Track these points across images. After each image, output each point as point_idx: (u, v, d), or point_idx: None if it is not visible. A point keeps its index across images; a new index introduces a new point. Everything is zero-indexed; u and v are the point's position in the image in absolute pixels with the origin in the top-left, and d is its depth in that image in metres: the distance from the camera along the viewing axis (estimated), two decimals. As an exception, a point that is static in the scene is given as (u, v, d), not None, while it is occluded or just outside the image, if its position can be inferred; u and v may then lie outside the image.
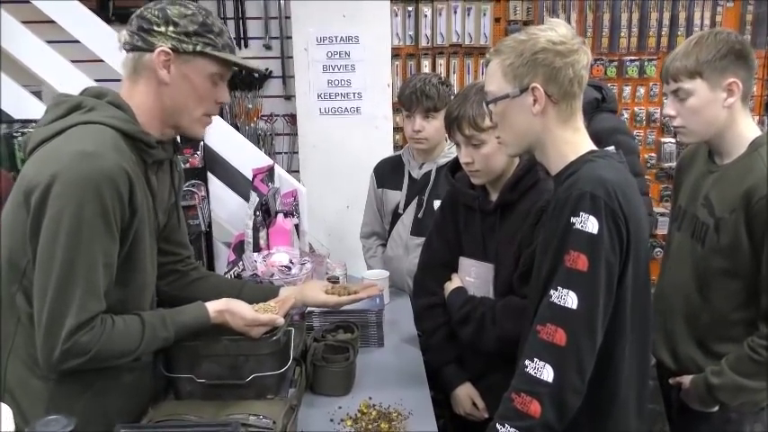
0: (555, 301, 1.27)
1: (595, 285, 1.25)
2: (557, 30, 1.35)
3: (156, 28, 1.39)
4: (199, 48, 1.40)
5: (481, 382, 1.91)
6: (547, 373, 1.24)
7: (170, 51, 1.39)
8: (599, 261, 1.25)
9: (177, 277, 1.69)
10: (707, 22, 3.96)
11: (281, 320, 1.56)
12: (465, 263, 1.92)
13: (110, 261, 1.32)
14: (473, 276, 1.90)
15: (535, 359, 1.26)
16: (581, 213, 1.26)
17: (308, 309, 1.98)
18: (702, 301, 1.75)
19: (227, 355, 1.52)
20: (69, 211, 1.25)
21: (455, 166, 1.94)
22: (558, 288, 1.27)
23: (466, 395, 1.92)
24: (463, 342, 1.89)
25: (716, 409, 1.74)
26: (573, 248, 1.26)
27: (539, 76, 1.34)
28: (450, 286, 1.93)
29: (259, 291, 1.77)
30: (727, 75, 1.66)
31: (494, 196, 1.85)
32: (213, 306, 1.50)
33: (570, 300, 1.25)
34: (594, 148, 1.41)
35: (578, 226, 1.26)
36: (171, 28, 1.39)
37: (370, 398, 1.71)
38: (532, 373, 1.26)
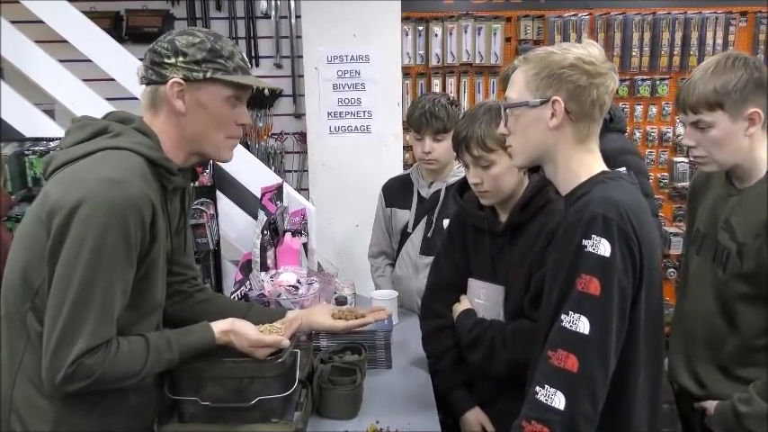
0: (566, 325, 1.24)
1: (608, 310, 1.22)
2: (589, 49, 1.34)
3: (166, 60, 1.41)
4: (209, 74, 1.41)
5: (491, 408, 1.87)
6: (558, 401, 1.21)
7: (182, 81, 1.40)
8: (611, 285, 1.22)
9: (182, 298, 1.67)
10: (719, 41, 3.94)
11: (286, 342, 1.54)
12: (474, 284, 1.89)
13: (126, 287, 1.33)
14: (483, 298, 1.86)
15: (546, 386, 1.23)
16: (593, 236, 1.23)
17: (315, 329, 1.95)
18: (726, 326, 1.70)
19: (232, 378, 1.50)
20: (93, 235, 1.25)
21: (463, 186, 1.92)
22: (570, 312, 1.24)
23: (475, 420, 1.88)
24: (472, 366, 1.86)
25: None
26: (585, 272, 1.23)
27: (562, 90, 1.32)
28: (459, 308, 1.90)
29: (266, 313, 1.75)
30: (748, 105, 1.61)
31: (503, 217, 1.83)
32: (218, 326, 1.49)
33: (582, 325, 1.22)
34: (606, 169, 1.39)
35: (590, 249, 1.23)
36: (180, 58, 1.41)
37: (378, 421, 1.68)
38: (543, 400, 1.23)
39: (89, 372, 1.27)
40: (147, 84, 1.44)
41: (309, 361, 1.77)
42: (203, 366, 1.49)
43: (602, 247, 1.22)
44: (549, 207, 1.77)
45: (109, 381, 1.31)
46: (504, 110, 1.41)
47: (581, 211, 1.27)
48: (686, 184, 4.03)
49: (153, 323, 1.47)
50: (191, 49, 1.41)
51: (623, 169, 1.53)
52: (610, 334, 1.22)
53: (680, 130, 4.08)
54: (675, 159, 4.11)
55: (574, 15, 3.90)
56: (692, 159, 1.78)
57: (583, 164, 1.37)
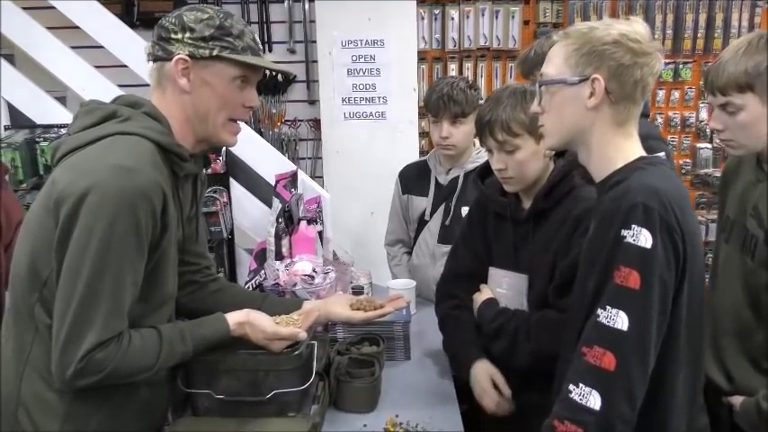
0: (603, 321, 1.17)
1: (648, 305, 1.15)
2: (634, 26, 1.26)
3: (173, 36, 1.36)
4: (216, 52, 1.36)
5: (515, 402, 1.80)
6: (593, 400, 1.14)
7: (187, 58, 1.35)
8: (652, 278, 1.15)
9: (196, 288, 1.63)
10: (744, 23, 3.82)
11: (303, 334, 1.49)
12: (496, 273, 1.83)
13: (137, 279, 1.28)
14: (505, 288, 1.80)
15: (581, 384, 1.16)
16: (633, 226, 1.15)
17: (331, 320, 1.90)
18: (755, 318, 1.63)
19: (247, 370, 1.45)
20: (102, 224, 1.21)
21: (485, 171, 1.85)
22: (607, 307, 1.17)
23: (484, 373, 1.76)
24: (495, 357, 1.79)
25: None
26: (624, 264, 1.15)
27: (603, 68, 1.25)
28: (481, 298, 1.83)
29: (281, 304, 1.71)
30: None
31: (526, 204, 1.76)
32: (233, 318, 1.44)
33: (620, 320, 1.15)
34: (645, 154, 1.32)
35: (630, 240, 1.16)
36: (187, 34, 1.36)
37: (397, 415, 1.63)
38: (577, 400, 1.16)
39: (100, 366, 1.23)
40: (154, 60, 1.39)
41: (326, 352, 1.73)
42: (218, 358, 1.44)
43: (643, 238, 1.15)
44: (575, 193, 1.70)
45: (121, 375, 1.27)
46: (540, 86, 1.33)
47: (619, 199, 1.19)
48: (709, 170, 3.94)
49: (165, 315, 1.43)
50: (198, 25, 1.35)
51: (662, 154, 1.45)
52: (650, 331, 1.15)
53: (703, 115, 3.98)
54: (698, 145, 4.01)
55: (595, -3, 3.79)
56: (719, 143, 1.70)
57: (620, 149, 1.30)
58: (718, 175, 3.88)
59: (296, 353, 1.47)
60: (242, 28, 1.39)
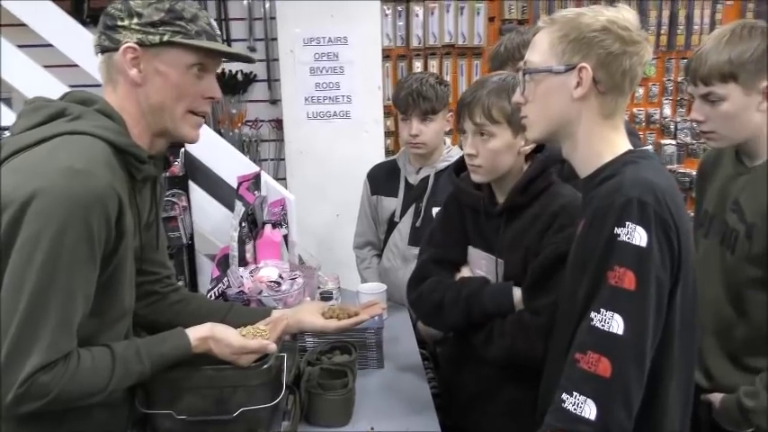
0: (597, 325, 1.10)
1: (644, 306, 1.09)
2: (623, 13, 1.20)
3: (119, 23, 1.25)
4: (167, 37, 1.25)
5: (497, 400, 1.72)
6: (589, 410, 1.07)
7: (136, 47, 1.24)
8: (648, 278, 1.08)
9: (155, 300, 1.52)
10: (707, 20, 3.86)
11: (272, 346, 1.39)
12: (476, 254, 1.76)
13: (88, 292, 1.17)
14: (484, 269, 1.74)
15: (575, 393, 1.09)
16: (627, 223, 1.09)
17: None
18: (735, 314, 1.61)
19: (212, 387, 1.35)
20: (49, 232, 1.09)
21: (461, 165, 1.79)
22: (601, 310, 1.10)
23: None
24: (473, 345, 1.72)
25: (750, 430, 1.60)
26: (618, 264, 1.09)
27: (591, 57, 1.18)
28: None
29: (248, 313, 1.60)
30: (763, 77, 1.50)
31: (500, 198, 1.70)
32: (195, 333, 1.33)
33: (615, 324, 1.08)
34: (632, 147, 1.26)
35: (624, 238, 1.09)
36: (135, 20, 1.25)
37: (373, 427, 1.55)
38: (571, 410, 1.09)
39: (45, 390, 1.11)
40: (102, 52, 1.28)
41: (295, 363, 1.64)
42: (180, 376, 1.33)
43: (638, 236, 1.08)
44: (552, 189, 1.65)
45: (69, 399, 1.15)
46: (524, 75, 1.26)
47: (612, 195, 1.13)
48: (673, 166, 3.95)
49: (121, 331, 1.31)
50: (146, 9, 1.24)
51: (650, 147, 1.40)
52: (646, 333, 1.09)
53: (667, 111, 4.00)
54: (663, 142, 4.02)
55: (559, -6, 3.77)
56: (702, 136, 1.66)
57: (608, 142, 1.24)
58: (683, 171, 3.93)
59: (265, 366, 1.38)
60: (195, 11, 1.28)
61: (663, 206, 1.11)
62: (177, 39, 1.25)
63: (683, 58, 3.95)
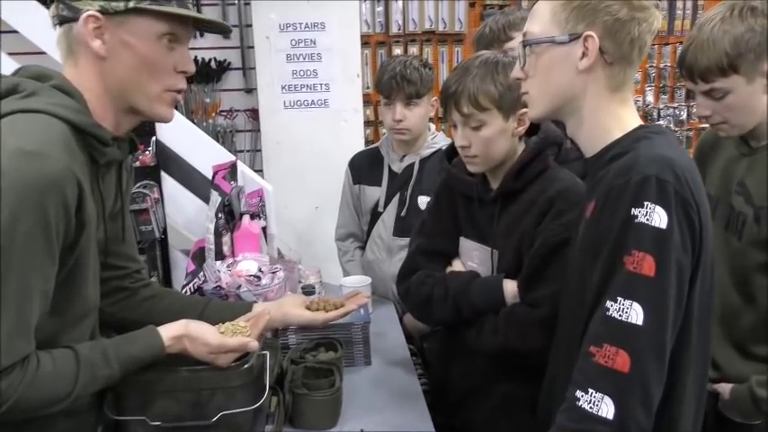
0: (614, 314, 1.01)
1: (665, 294, 1.00)
2: None
3: None
4: (132, 3, 1.13)
5: (491, 394, 1.64)
6: (606, 408, 0.98)
7: (99, 15, 1.12)
8: (668, 263, 1.00)
9: (125, 296, 1.40)
10: (689, 4, 3.82)
11: (254, 344, 1.28)
12: (467, 245, 1.67)
13: (47, 288, 1.05)
14: (476, 261, 1.65)
15: (590, 390, 1.00)
16: (645, 203, 1.00)
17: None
18: (741, 301, 1.55)
19: (189, 390, 1.24)
20: (0, 222, 0.97)
21: (452, 150, 1.70)
22: (618, 299, 1.01)
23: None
24: (466, 340, 1.64)
25: (760, 421, 1.54)
26: (636, 248, 1.00)
27: (597, 25, 1.09)
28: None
29: (227, 309, 1.49)
30: (764, 60, 1.42)
31: (494, 184, 1.61)
32: (168, 331, 1.22)
33: (634, 313, 0.99)
34: (643, 123, 1.17)
35: (642, 219, 1.00)
36: None
37: (362, 430, 1.46)
38: (587, 408, 1.00)
39: (1, 398, 1.00)
40: (60, 23, 1.15)
41: (278, 362, 1.53)
42: (153, 378, 1.23)
43: (657, 217, 0.99)
44: (548, 173, 1.57)
45: (29, 407, 1.04)
46: (524, 47, 1.16)
47: (627, 172, 1.03)
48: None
49: (86, 331, 1.20)
50: None
51: (662, 122, 1.32)
52: (666, 324, 1.00)
53: (649, 98, 3.95)
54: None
55: (541, -22, 3.69)
56: (713, 128, 1.58)
57: (616, 117, 1.14)
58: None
59: (246, 366, 1.27)
60: None
61: (683, 184, 1.02)
62: (144, 5, 1.14)
63: (666, 44, 3.91)
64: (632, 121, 1.16)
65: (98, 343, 1.17)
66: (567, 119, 1.19)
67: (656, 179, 1.01)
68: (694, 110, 3.88)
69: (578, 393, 1.02)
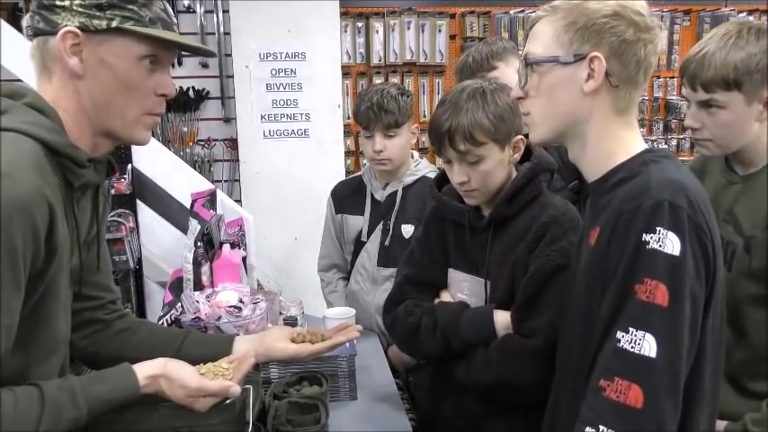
0: (626, 347, 0.96)
1: (679, 325, 0.96)
2: None
3: (58, 2, 1.07)
4: (115, 23, 1.08)
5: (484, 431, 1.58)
6: None
7: (78, 32, 1.07)
8: (682, 292, 0.96)
9: (98, 329, 1.32)
10: (664, 41, 3.87)
11: (235, 389, 1.19)
12: (456, 277, 1.62)
13: (11, 321, 0.97)
14: (466, 293, 1.60)
15: (601, 427, 0.94)
16: (658, 229, 0.96)
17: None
18: (734, 334, 1.49)
19: (166, 429, 1.16)
20: None
21: (441, 179, 1.66)
22: (630, 329, 0.96)
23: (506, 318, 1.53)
24: (456, 376, 1.58)
25: None
26: (648, 276, 0.96)
27: (603, 45, 1.06)
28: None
29: (207, 342, 1.41)
30: (766, 87, 1.42)
31: (486, 210, 1.57)
32: (144, 370, 1.14)
33: (648, 345, 0.94)
34: (648, 147, 1.14)
35: (654, 245, 0.96)
36: (77, 0, 1.07)
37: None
38: None
39: None
40: (34, 35, 1.09)
41: (259, 397, 1.45)
42: (127, 417, 1.14)
43: (670, 244, 0.96)
44: (541, 199, 1.53)
45: None
46: (527, 66, 1.13)
47: (638, 197, 1.00)
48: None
49: (55, 366, 1.11)
50: None
51: (666, 147, 1.30)
52: (681, 356, 0.96)
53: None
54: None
55: (521, 12, 3.74)
56: (696, 143, 1.57)
57: (621, 140, 1.11)
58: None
59: (227, 401, 1.20)
60: None
61: (697, 210, 0.99)
62: (128, 25, 1.08)
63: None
64: (637, 144, 1.13)
65: (66, 381, 1.08)
66: (570, 142, 1.15)
67: (670, 204, 0.97)
68: (673, 142, 3.93)
69: (588, 430, 0.96)
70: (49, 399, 1.01)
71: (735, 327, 1.50)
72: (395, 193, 2.24)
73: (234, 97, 3.46)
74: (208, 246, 2.00)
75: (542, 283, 1.42)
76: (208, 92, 3.68)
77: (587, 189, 1.24)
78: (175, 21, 1.17)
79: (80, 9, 1.07)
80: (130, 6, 1.09)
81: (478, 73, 2.11)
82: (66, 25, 1.06)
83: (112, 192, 2.25)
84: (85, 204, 1.19)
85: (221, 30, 3.59)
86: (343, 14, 3.53)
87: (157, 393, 1.15)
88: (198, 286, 1.91)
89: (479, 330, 1.52)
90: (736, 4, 3.90)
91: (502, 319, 1.51)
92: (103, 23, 1.07)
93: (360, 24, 3.66)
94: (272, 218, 3.33)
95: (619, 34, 1.06)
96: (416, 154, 2.35)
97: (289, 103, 3.39)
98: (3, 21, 2.57)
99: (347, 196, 2.35)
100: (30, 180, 0.97)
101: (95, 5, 1.07)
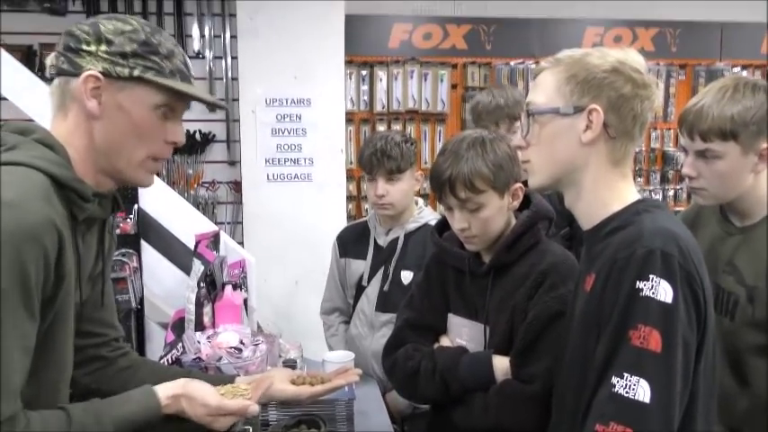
0: (620, 392, 0.98)
1: (672, 371, 0.98)
2: (631, 55, 1.14)
3: (84, 47, 1.11)
4: (137, 72, 1.12)
5: None
6: None
7: (100, 76, 1.11)
8: (675, 339, 0.98)
9: (101, 366, 1.33)
10: (660, 96, 3.96)
11: (254, 408, 1.21)
12: (456, 322, 1.64)
13: (29, 345, 0.99)
14: (465, 338, 1.61)
15: None
16: (651, 276, 0.99)
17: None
18: (736, 383, 1.50)
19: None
20: None
21: (442, 225, 1.69)
22: (625, 375, 0.98)
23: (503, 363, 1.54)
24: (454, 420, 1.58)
25: None
26: (642, 322, 0.99)
27: (601, 99, 1.11)
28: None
29: (208, 381, 1.41)
30: (762, 139, 1.46)
31: (486, 257, 1.60)
32: (165, 391, 1.16)
33: (642, 390, 0.96)
34: (641, 197, 1.18)
35: (648, 292, 0.99)
36: (103, 47, 1.11)
37: None
38: None
39: None
40: (57, 74, 1.14)
41: (258, 439, 1.45)
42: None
43: (663, 291, 0.99)
44: (540, 247, 1.56)
45: None
46: (529, 116, 1.18)
47: (631, 245, 1.03)
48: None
49: (62, 399, 1.12)
50: (118, 37, 1.11)
51: (662, 197, 1.33)
52: (674, 402, 0.98)
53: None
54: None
55: (521, 63, 3.84)
56: (691, 192, 1.61)
57: (615, 190, 1.15)
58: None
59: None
60: (172, 48, 1.16)
61: (687, 259, 1.02)
62: (149, 75, 1.12)
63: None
64: (631, 195, 1.16)
65: (91, 404, 1.10)
66: (566, 189, 1.19)
67: (662, 252, 1.00)
68: (670, 193, 3.98)
69: None
70: (77, 421, 1.03)
71: (737, 376, 1.51)
72: (397, 238, 2.27)
73: (239, 141, 3.52)
74: (210, 287, 2.02)
75: (541, 330, 1.44)
76: (214, 135, 3.74)
77: (579, 235, 1.28)
78: (193, 74, 1.22)
79: (105, 56, 1.11)
80: (153, 57, 1.13)
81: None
82: (89, 69, 1.11)
83: (118, 231, 2.27)
84: (91, 240, 1.21)
85: (229, 75, 3.67)
86: (348, 62, 3.62)
87: (178, 413, 1.16)
88: (199, 327, 1.92)
89: (478, 375, 1.53)
90: (730, 59, 4.01)
91: (501, 364, 1.52)
92: (126, 71, 1.12)
93: (364, 72, 3.76)
94: (274, 260, 3.34)
95: (617, 89, 1.11)
96: (421, 201, 2.39)
97: (293, 147, 3.44)
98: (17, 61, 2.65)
99: (352, 241, 2.38)
100: (39, 209, 1.00)
101: (120, 53, 1.11)
